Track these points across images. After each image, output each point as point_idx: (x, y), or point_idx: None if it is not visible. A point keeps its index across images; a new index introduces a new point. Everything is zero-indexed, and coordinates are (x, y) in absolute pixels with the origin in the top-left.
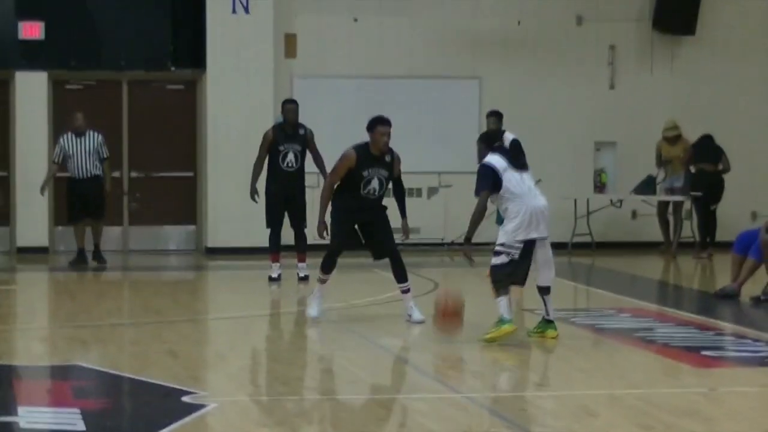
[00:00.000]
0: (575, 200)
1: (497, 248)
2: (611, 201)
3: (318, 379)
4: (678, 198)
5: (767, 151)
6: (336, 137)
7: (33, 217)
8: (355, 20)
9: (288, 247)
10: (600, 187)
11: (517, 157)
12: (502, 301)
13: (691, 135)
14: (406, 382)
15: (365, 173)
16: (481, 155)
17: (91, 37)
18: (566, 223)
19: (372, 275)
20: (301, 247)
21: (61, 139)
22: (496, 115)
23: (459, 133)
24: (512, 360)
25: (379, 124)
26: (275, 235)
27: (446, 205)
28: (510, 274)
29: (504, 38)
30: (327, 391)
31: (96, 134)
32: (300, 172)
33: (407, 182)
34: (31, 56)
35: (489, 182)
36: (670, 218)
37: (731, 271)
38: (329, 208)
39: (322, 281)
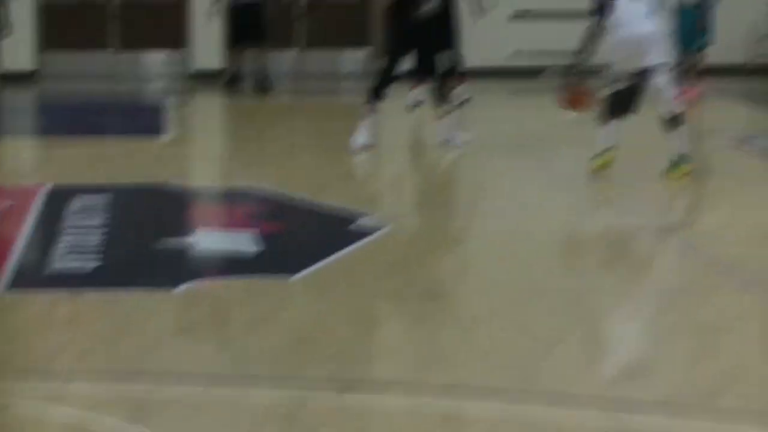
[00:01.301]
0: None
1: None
2: None
3: (492, 204)
4: None
5: None
6: None
7: (209, 41)
8: None
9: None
10: None
11: None
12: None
13: None
14: (578, 211)
15: None
16: None
17: None
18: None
19: (548, 100)
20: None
21: None
22: None
23: None
24: (687, 185)
25: None
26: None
27: None
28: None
29: None
30: (503, 218)
31: None
32: None
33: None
34: None
35: None
36: None
37: None
38: None
39: (373, 110)
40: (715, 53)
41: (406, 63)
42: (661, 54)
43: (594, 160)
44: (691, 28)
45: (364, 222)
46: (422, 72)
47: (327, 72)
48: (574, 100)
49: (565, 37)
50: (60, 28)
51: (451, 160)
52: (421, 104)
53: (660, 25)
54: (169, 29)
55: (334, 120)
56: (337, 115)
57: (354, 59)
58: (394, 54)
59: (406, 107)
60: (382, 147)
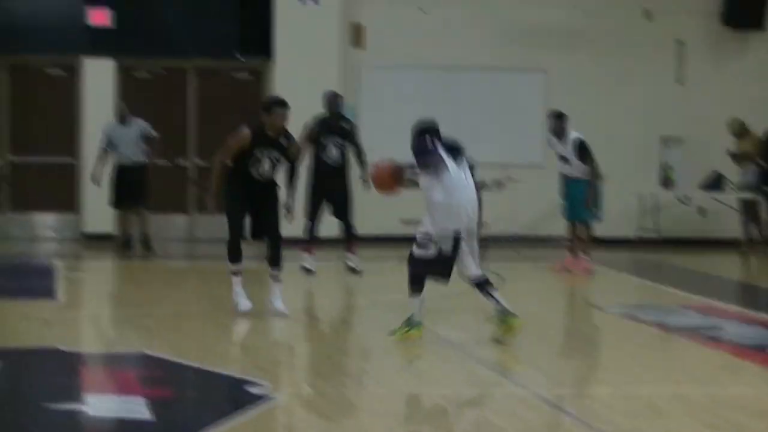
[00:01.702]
0: (640, 196)
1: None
2: (678, 197)
3: (382, 374)
4: (748, 195)
5: None
6: (399, 128)
7: (99, 204)
8: (422, 11)
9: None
10: (667, 182)
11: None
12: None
13: (762, 131)
14: (473, 378)
15: (258, 153)
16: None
17: (158, 25)
18: (631, 218)
19: None
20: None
21: (105, 127)
22: (555, 116)
23: (525, 126)
24: (577, 355)
25: (277, 106)
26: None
27: (512, 198)
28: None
29: (569, 31)
30: (390, 384)
31: (139, 121)
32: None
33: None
34: (99, 43)
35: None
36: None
37: None
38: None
39: (236, 273)
40: (603, 226)
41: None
42: (476, 221)
43: (399, 330)
44: (580, 201)
45: (253, 389)
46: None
47: (218, 237)
48: (385, 178)
49: None
50: None
51: (340, 327)
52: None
53: (475, 193)
54: (60, 191)
55: (225, 284)
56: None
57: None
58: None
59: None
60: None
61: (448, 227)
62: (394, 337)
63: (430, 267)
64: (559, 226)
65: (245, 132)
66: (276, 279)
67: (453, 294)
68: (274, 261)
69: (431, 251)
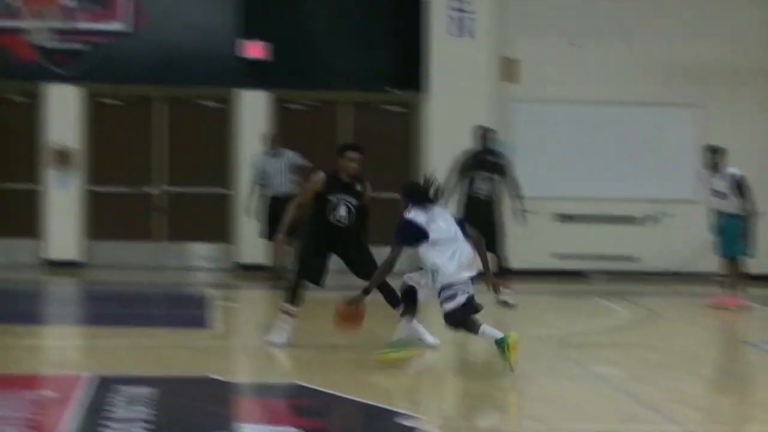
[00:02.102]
0: None
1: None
2: None
3: (533, 407)
4: None
5: None
6: (552, 162)
7: (254, 235)
8: (575, 45)
9: None
10: None
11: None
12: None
13: None
14: (624, 413)
15: (333, 198)
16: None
17: (312, 57)
18: None
19: (592, 303)
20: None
21: (256, 159)
22: (711, 150)
23: (677, 162)
24: (731, 393)
25: (349, 150)
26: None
27: (665, 234)
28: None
29: (729, 67)
30: (542, 418)
31: (289, 152)
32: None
33: (625, 209)
34: (255, 75)
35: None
36: None
37: None
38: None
39: (289, 313)
40: (756, 262)
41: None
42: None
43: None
44: (734, 237)
45: (405, 421)
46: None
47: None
48: (347, 317)
49: (608, 241)
50: (106, 218)
51: (491, 360)
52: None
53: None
54: (215, 222)
55: (378, 316)
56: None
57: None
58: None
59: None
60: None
61: (462, 275)
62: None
63: (466, 310)
64: (712, 262)
65: (319, 176)
66: (407, 315)
67: (603, 329)
68: (394, 301)
69: (461, 298)
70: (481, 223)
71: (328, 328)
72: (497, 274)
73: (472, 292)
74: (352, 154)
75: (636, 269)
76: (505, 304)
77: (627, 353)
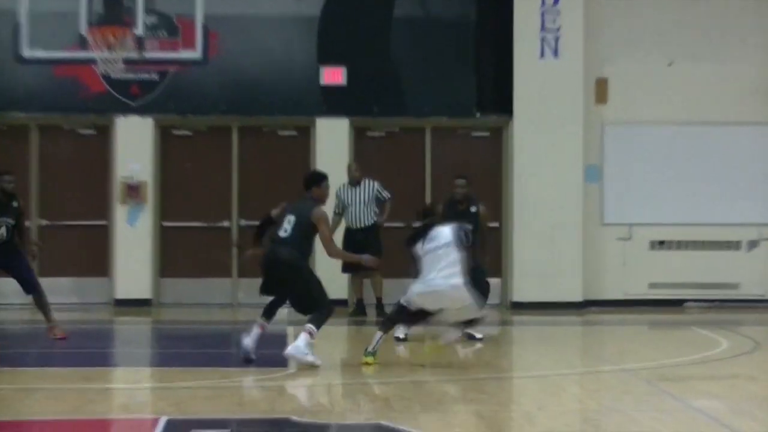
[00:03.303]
0: None
1: None
2: None
3: None
4: None
5: None
6: (647, 185)
7: (335, 269)
8: (670, 65)
9: None
10: None
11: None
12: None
13: None
14: None
15: None
16: None
17: (392, 83)
18: None
19: (690, 333)
20: None
21: (338, 190)
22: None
23: None
24: None
25: (325, 180)
26: None
27: (766, 258)
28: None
29: None
30: None
31: (372, 182)
32: None
33: (723, 234)
34: (333, 102)
35: None
36: None
37: None
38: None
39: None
40: None
41: None
42: (460, 302)
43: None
44: None
45: None
46: None
47: None
48: None
49: (705, 268)
50: (178, 254)
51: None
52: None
53: (460, 277)
54: None
55: (455, 351)
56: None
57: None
58: None
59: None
60: None
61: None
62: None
63: (406, 315)
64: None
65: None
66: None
67: (701, 361)
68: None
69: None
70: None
71: (413, 362)
72: None
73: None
74: (327, 183)
75: (736, 297)
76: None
77: (727, 385)
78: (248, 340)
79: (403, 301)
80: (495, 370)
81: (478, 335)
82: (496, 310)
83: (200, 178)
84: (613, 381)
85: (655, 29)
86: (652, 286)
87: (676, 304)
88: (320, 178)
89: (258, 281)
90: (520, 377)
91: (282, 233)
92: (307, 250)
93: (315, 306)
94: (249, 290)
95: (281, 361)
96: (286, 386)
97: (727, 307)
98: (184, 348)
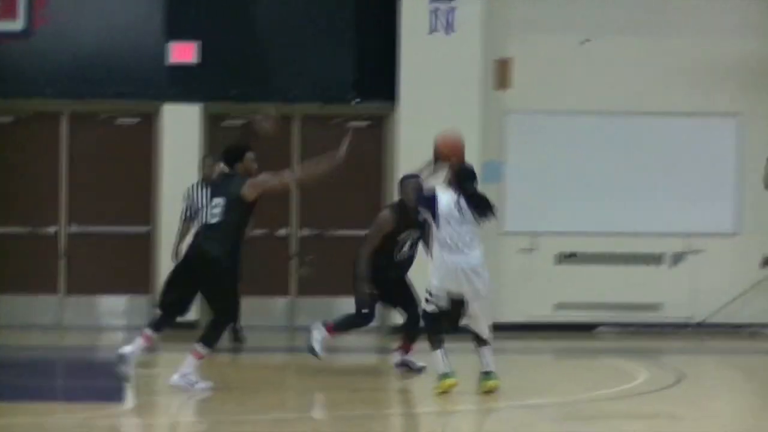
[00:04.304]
0: None
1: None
2: None
3: None
4: None
5: None
6: (552, 187)
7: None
8: (585, 42)
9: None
10: None
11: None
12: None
13: None
14: None
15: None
16: None
17: (254, 62)
18: None
19: (603, 363)
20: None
21: (189, 190)
22: None
23: (711, 184)
24: None
25: (248, 151)
26: None
27: (694, 276)
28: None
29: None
30: None
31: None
32: None
33: (644, 246)
34: (183, 85)
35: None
36: None
37: None
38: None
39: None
40: None
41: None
42: (482, 284)
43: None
44: None
45: None
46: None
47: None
48: None
49: (621, 285)
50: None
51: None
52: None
53: (481, 254)
54: (130, 269)
55: (327, 382)
56: (340, 380)
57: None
58: None
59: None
60: None
61: (443, 286)
62: (437, 392)
63: (437, 322)
64: (757, 310)
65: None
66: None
67: (618, 395)
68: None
69: (433, 307)
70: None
71: (274, 398)
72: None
73: (446, 308)
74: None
75: (657, 320)
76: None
77: (645, 426)
78: (129, 351)
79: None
80: (370, 405)
81: (420, 364)
82: (374, 336)
83: (23, 173)
84: (512, 420)
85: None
86: (560, 306)
87: (587, 328)
88: (242, 151)
89: (78, 299)
90: (397, 414)
91: (211, 220)
92: (237, 242)
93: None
94: (78, 310)
95: (115, 395)
96: (123, 425)
97: (647, 331)
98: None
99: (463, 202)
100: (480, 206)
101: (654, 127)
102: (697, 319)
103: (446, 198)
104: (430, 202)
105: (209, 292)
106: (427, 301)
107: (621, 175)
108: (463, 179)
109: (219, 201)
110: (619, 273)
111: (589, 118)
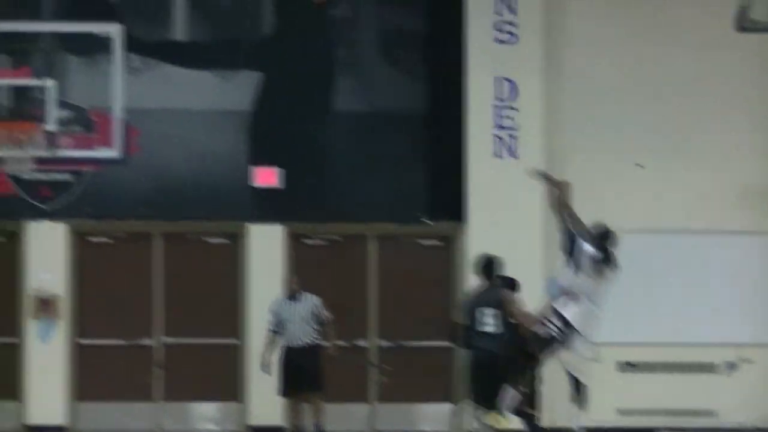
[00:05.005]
0: None
1: None
2: None
3: None
4: None
5: None
6: (614, 300)
7: (267, 392)
8: (639, 166)
9: None
10: None
11: None
12: None
13: None
14: None
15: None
16: None
17: (333, 186)
18: None
19: None
20: None
21: (273, 304)
22: None
23: (761, 299)
24: None
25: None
26: None
27: (745, 383)
28: None
29: None
30: None
31: (311, 297)
32: None
33: (699, 355)
34: (266, 206)
35: None
36: None
37: None
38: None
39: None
40: None
41: None
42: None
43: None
44: None
45: None
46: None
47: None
48: None
49: (679, 392)
50: (96, 375)
51: None
52: None
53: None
54: (221, 378)
55: None
56: None
57: (436, 415)
58: None
59: None
60: None
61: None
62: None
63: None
64: None
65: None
66: None
67: None
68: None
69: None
70: None
71: None
72: None
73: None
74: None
75: (713, 425)
76: None
77: None
78: None
79: None
80: None
81: None
82: None
83: (120, 290)
84: None
85: (622, 128)
86: (620, 411)
87: None
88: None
89: (183, 405)
90: None
91: (487, 328)
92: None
93: None
94: (176, 415)
95: None
96: None
97: None
98: None
99: None
100: None
101: (705, 245)
102: (752, 424)
103: None
104: None
105: None
106: None
107: (672, 289)
108: None
109: (486, 311)
110: (677, 380)
111: (643, 237)
